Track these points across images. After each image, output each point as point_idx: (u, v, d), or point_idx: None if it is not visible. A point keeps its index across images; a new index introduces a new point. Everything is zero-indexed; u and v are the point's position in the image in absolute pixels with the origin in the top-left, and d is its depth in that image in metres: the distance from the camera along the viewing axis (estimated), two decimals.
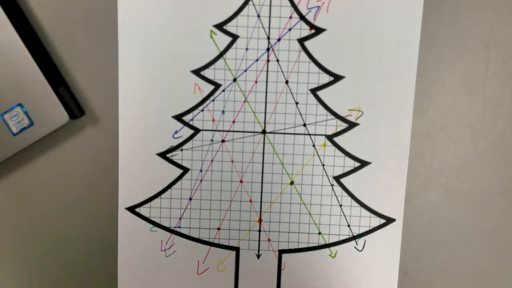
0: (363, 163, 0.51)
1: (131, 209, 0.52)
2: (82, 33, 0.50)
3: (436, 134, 0.52)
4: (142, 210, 0.52)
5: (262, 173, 0.52)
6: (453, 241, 0.53)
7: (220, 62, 0.50)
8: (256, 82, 0.51)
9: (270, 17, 0.49)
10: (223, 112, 0.51)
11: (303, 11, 0.49)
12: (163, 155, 0.51)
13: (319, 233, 0.53)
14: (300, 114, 0.51)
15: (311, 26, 0.50)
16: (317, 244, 0.53)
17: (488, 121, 0.52)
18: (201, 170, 0.52)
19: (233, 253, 0.53)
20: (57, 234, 0.53)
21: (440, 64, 0.51)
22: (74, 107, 0.51)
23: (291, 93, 0.51)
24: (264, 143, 0.51)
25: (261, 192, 0.52)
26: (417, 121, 0.51)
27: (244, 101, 0.51)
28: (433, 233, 0.53)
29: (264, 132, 0.51)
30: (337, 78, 0.50)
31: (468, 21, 0.50)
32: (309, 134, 0.51)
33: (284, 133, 0.51)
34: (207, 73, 0.50)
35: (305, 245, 0.53)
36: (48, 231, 0.53)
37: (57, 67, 0.51)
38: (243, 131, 0.51)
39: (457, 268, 0.53)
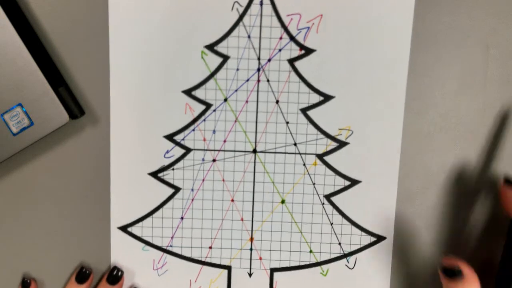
0: (354, 182, 0.52)
1: (123, 229, 0.52)
2: (82, 33, 0.51)
3: (436, 134, 0.52)
4: (134, 230, 0.52)
5: (253, 192, 0.52)
6: (453, 241, 0.53)
7: (211, 82, 0.51)
8: (246, 102, 0.51)
9: (260, 38, 0.50)
10: (214, 131, 0.51)
11: (293, 32, 0.50)
12: (154, 174, 0.52)
13: (311, 251, 0.53)
14: (291, 133, 0.51)
15: (301, 46, 0.50)
16: (308, 262, 0.53)
17: (488, 121, 0.52)
18: (192, 189, 0.52)
19: (225, 271, 0.53)
20: (57, 233, 0.53)
21: (440, 64, 0.51)
22: (74, 107, 0.51)
23: (282, 112, 0.51)
24: (255, 162, 0.52)
25: (252, 211, 0.52)
26: (417, 121, 0.52)
27: (235, 121, 0.51)
28: (433, 233, 0.53)
29: (255, 151, 0.52)
30: (327, 97, 0.51)
31: (468, 21, 0.51)
32: (300, 153, 0.52)
33: (275, 152, 0.52)
34: (198, 93, 0.51)
35: (296, 263, 0.53)
36: (48, 231, 0.53)
37: (57, 67, 0.51)
38: (234, 151, 0.52)
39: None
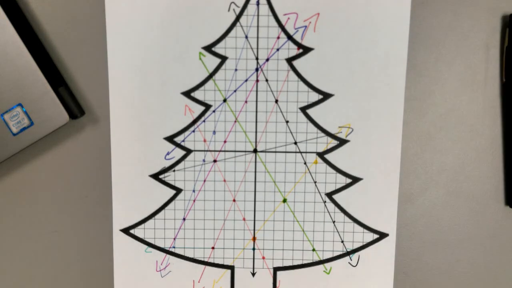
0: (355, 179, 0.52)
1: (126, 231, 0.53)
2: (82, 33, 0.51)
3: (436, 134, 0.52)
4: (136, 231, 0.53)
5: (255, 191, 0.52)
6: (453, 241, 0.53)
7: (210, 83, 0.50)
8: (246, 102, 0.51)
9: (258, 37, 0.50)
10: (214, 132, 0.51)
11: (291, 31, 0.49)
12: (156, 176, 0.52)
13: (313, 250, 0.53)
14: (291, 132, 0.51)
15: (299, 45, 0.50)
16: (311, 261, 0.53)
17: (488, 121, 0.52)
18: (194, 190, 0.52)
19: (228, 271, 0.53)
20: (58, 235, 0.53)
21: (440, 64, 0.51)
22: (74, 107, 0.51)
23: (281, 112, 0.51)
24: (255, 162, 0.52)
25: (254, 211, 0.52)
26: (417, 121, 0.52)
27: (235, 121, 0.51)
28: (433, 233, 0.53)
29: (255, 151, 0.51)
30: (326, 96, 0.50)
31: (468, 21, 0.51)
32: (300, 152, 0.51)
33: (276, 152, 0.51)
34: (197, 94, 0.51)
35: (299, 262, 0.53)
36: (48, 232, 0.53)
37: (57, 67, 0.51)
38: (235, 151, 0.51)
39: (457, 268, 0.53)
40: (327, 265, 0.53)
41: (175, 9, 0.49)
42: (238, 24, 0.49)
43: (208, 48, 0.50)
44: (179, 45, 0.50)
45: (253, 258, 0.53)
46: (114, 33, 0.50)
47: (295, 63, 0.50)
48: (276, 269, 0.53)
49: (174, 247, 0.53)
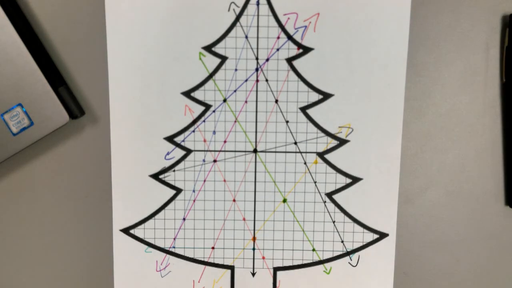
0: (355, 179, 0.52)
1: (126, 231, 0.53)
2: (82, 33, 0.51)
3: (436, 134, 0.52)
4: (136, 232, 0.53)
5: (255, 191, 0.52)
6: (453, 241, 0.53)
7: (210, 83, 0.50)
8: (246, 102, 0.51)
9: (258, 37, 0.50)
10: (214, 132, 0.51)
11: (291, 31, 0.49)
12: (156, 176, 0.52)
13: (313, 250, 0.53)
14: (291, 132, 0.51)
15: (299, 45, 0.50)
16: (311, 261, 0.53)
17: (488, 121, 0.52)
18: (194, 190, 0.52)
19: (228, 271, 0.53)
20: (58, 235, 0.53)
21: (440, 64, 0.51)
22: (74, 107, 0.51)
23: (281, 112, 0.51)
24: (255, 162, 0.52)
25: (254, 211, 0.52)
26: (417, 121, 0.52)
27: (235, 121, 0.51)
28: (433, 233, 0.53)
29: (255, 151, 0.51)
30: (326, 96, 0.50)
31: (468, 21, 0.51)
32: (300, 152, 0.51)
33: (276, 152, 0.51)
34: (197, 94, 0.51)
35: (299, 262, 0.53)
36: (48, 232, 0.53)
37: (57, 67, 0.51)
38: (235, 151, 0.51)
39: (457, 268, 0.53)
40: (327, 265, 0.53)
41: (175, 9, 0.49)
42: (238, 24, 0.49)
43: (208, 48, 0.50)
44: (179, 45, 0.50)
45: (253, 258, 0.53)
46: (114, 33, 0.50)
47: (295, 63, 0.50)
48: (276, 269, 0.53)
49: (174, 247, 0.53)
